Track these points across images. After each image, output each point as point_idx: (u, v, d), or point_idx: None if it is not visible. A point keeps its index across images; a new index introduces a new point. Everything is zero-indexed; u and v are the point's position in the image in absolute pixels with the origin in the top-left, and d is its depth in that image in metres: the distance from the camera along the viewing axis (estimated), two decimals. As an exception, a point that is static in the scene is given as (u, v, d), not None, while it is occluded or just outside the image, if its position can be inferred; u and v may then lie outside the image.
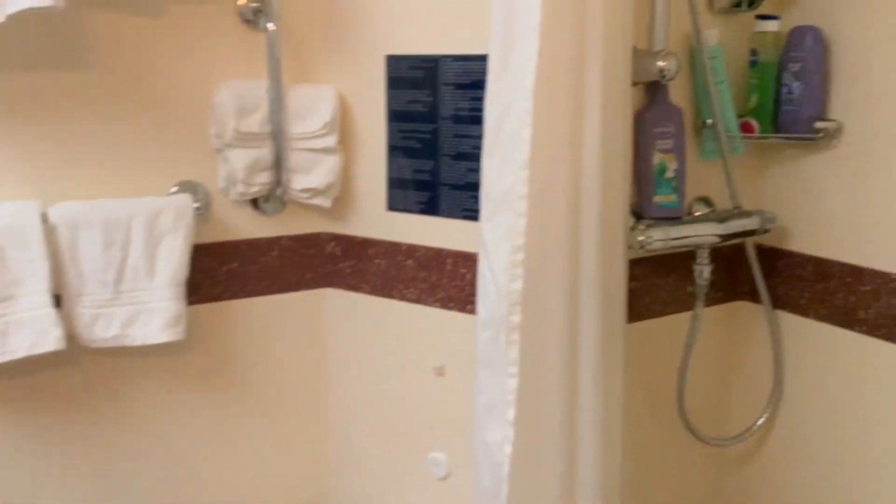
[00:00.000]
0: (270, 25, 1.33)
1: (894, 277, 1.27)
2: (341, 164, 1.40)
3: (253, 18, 1.35)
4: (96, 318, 1.24)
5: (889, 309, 1.28)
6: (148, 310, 1.26)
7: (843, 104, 1.33)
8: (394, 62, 1.36)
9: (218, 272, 1.40)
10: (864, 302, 1.31)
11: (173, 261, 1.28)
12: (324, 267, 1.49)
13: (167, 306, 1.27)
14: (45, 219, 1.20)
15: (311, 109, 1.37)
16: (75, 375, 1.31)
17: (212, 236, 1.38)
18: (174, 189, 1.34)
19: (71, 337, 1.21)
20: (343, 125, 1.40)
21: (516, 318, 1.02)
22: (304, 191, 1.40)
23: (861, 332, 1.32)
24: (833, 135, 1.34)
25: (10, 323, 1.16)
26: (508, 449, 1.03)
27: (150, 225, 1.26)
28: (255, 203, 1.42)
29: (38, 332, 1.17)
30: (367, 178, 1.42)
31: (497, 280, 1.02)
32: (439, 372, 1.39)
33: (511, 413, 1.03)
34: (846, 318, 1.35)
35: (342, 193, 1.43)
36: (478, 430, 1.09)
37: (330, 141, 1.38)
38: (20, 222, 1.18)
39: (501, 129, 1.00)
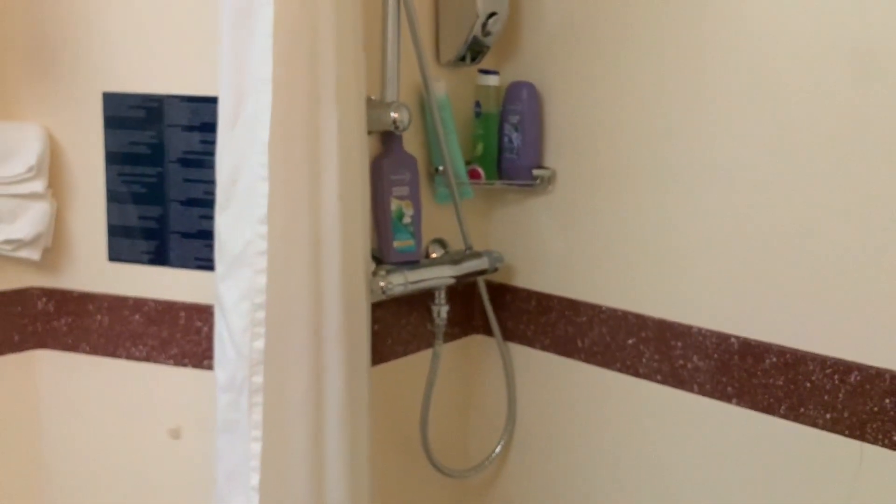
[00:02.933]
0: (-43, 55, 1.16)
1: (604, 309, 1.42)
2: (52, 212, 1.26)
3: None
4: None
5: (601, 337, 1.42)
6: None
7: (556, 153, 1.47)
8: (112, 100, 1.25)
9: None
10: (580, 332, 1.45)
11: None
12: (34, 326, 1.33)
13: None
14: None
15: (13, 150, 1.22)
16: None
17: None
18: None
19: None
20: (54, 168, 1.26)
21: (259, 379, 0.98)
22: (6, 242, 1.24)
23: (579, 359, 1.46)
24: (548, 181, 1.47)
25: None
26: (254, 517, 0.98)
27: None
28: (-61, 258, 1.23)
29: None
30: (84, 227, 1.29)
31: (236, 341, 0.97)
32: (175, 434, 1.30)
33: (255, 478, 0.98)
34: (567, 348, 1.48)
35: (54, 244, 1.29)
36: (217, 500, 1.02)
37: (37, 186, 1.23)
38: None
39: (236, 183, 0.96)
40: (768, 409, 1.22)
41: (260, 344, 0.98)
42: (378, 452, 1.28)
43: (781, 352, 1.21)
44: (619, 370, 1.40)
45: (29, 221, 1.24)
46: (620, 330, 1.39)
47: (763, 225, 1.22)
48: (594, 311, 1.43)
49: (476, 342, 1.61)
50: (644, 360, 1.37)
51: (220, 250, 1.01)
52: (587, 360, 1.45)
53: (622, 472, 1.43)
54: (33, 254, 1.27)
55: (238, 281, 0.97)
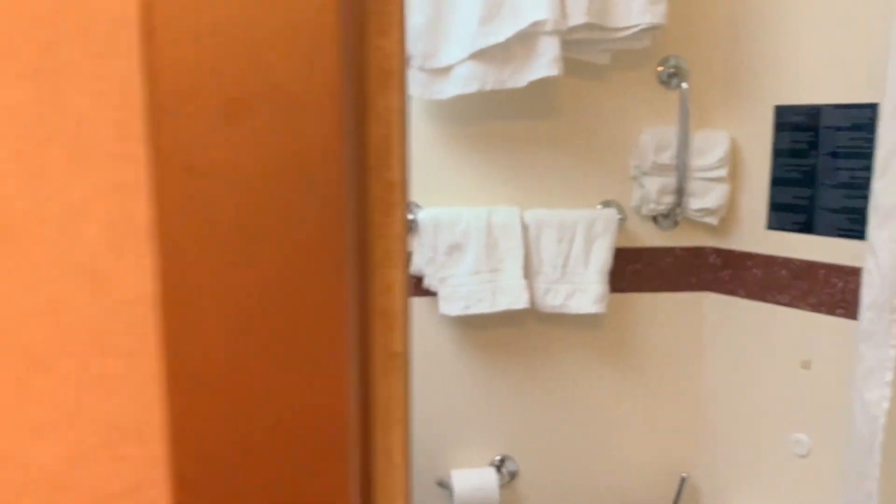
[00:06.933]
0: (684, 85, 1.76)
1: None
2: (729, 192, 1.77)
3: (667, 80, 1.80)
4: (548, 290, 1.73)
5: None
6: (582, 289, 1.73)
7: None
8: (781, 111, 1.70)
9: (625, 270, 1.84)
10: None
11: (601, 256, 1.74)
12: (706, 274, 1.86)
13: (596, 287, 1.73)
14: (522, 220, 1.73)
15: (709, 148, 1.77)
16: (520, 335, 1.82)
17: (622, 242, 1.82)
18: (599, 205, 1.82)
19: (529, 302, 1.72)
20: (732, 161, 1.78)
21: (897, 301, 1.30)
22: (698, 211, 1.79)
23: None
24: None
25: (496, 287, 1.70)
26: (885, 405, 1.30)
27: (588, 229, 1.74)
28: (654, 220, 1.84)
29: (514, 296, 1.69)
30: (749, 203, 1.76)
31: (883, 272, 1.30)
32: (805, 366, 1.67)
33: (889, 375, 1.30)
34: None
35: (727, 215, 1.79)
36: (855, 392, 1.37)
37: (722, 172, 1.75)
38: (508, 221, 1.72)
39: (891, 158, 1.30)
40: None
41: (901, 275, 1.30)
42: None
43: None
44: None
45: (714, 197, 1.78)
46: None
47: None
48: None
49: None
50: None
51: (874, 207, 1.36)
52: None
53: None
54: (713, 220, 1.80)
55: (887, 229, 1.30)
